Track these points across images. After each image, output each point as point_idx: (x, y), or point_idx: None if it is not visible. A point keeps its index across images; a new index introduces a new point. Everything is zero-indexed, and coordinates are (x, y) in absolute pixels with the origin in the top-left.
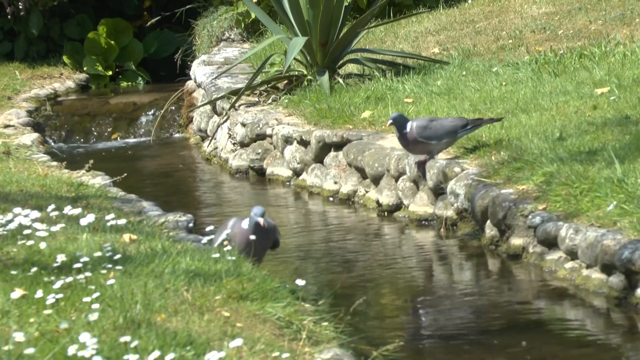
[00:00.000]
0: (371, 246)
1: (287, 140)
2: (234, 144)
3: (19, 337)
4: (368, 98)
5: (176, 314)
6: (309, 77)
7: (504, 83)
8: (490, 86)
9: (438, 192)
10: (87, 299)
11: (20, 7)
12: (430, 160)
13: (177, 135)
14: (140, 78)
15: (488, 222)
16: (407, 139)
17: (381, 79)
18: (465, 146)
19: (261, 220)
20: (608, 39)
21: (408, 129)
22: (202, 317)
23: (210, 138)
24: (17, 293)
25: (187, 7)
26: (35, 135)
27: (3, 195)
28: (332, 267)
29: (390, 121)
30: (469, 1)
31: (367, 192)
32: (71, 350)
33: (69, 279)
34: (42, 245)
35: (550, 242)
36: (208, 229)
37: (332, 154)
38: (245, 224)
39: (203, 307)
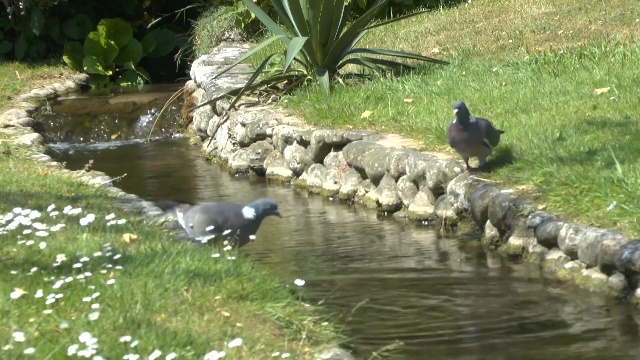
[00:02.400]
0: (371, 246)
1: (287, 140)
2: (233, 144)
3: (19, 337)
4: (368, 98)
5: (176, 314)
6: (309, 77)
7: (504, 83)
8: (490, 86)
9: (438, 192)
10: (87, 299)
11: (21, 7)
12: (480, 169)
13: (177, 135)
14: (140, 78)
15: (488, 222)
16: (470, 133)
17: (381, 79)
18: None
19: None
20: (608, 39)
21: (473, 121)
22: (202, 317)
23: (210, 138)
24: (17, 293)
25: (187, 7)
26: (35, 135)
27: (3, 195)
28: (332, 267)
29: (456, 110)
30: (469, 1)
31: (367, 192)
32: (71, 350)
33: (69, 279)
34: (42, 245)
35: (550, 242)
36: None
37: (332, 154)
38: (249, 212)
39: (203, 307)
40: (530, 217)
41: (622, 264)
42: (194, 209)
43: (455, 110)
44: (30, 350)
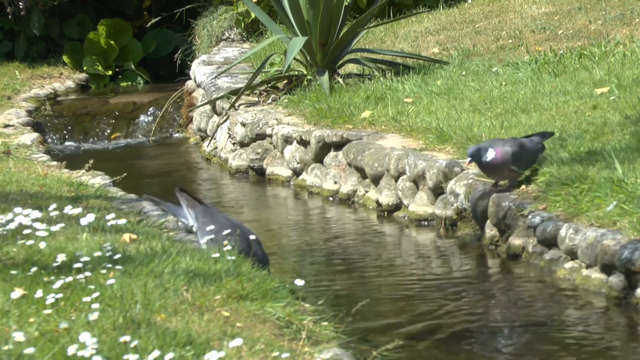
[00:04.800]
0: (371, 246)
1: (287, 140)
2: (233, 143)
3: (19, 337)
4: (368, 98)
5: (176, 314)
6: (309, 77)
7: (503, 83)
8: (490, 86)
9: (438, 192)
10: (87, 299)
11: (21, 6)
12: (509, 190)
13: (177, 135)
14: (139, 78)
15: (488, 222)
16: (494, 166)
17: (381, 78)
18: (465, 146)
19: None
20: (608, 39)
21: (497, 155)
22: (202, 317)
23: (210, 138)
24: (17, 293)
25: (187, 7)
26: (35, 135)
27: (3, 195)
28: (331, 267)
29: (469, 159)
30: (469, 1)
31: (366, 192)
32: (71, 350)
33: (69, 279)
34: (42, 245)
35: (550, 242)
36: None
37: (331, 153)
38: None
39: (203, 307)
40: (530, 217)
41: (622, 264)
42: (207, 217)
43: (468, 160)
44: (30, 350)
